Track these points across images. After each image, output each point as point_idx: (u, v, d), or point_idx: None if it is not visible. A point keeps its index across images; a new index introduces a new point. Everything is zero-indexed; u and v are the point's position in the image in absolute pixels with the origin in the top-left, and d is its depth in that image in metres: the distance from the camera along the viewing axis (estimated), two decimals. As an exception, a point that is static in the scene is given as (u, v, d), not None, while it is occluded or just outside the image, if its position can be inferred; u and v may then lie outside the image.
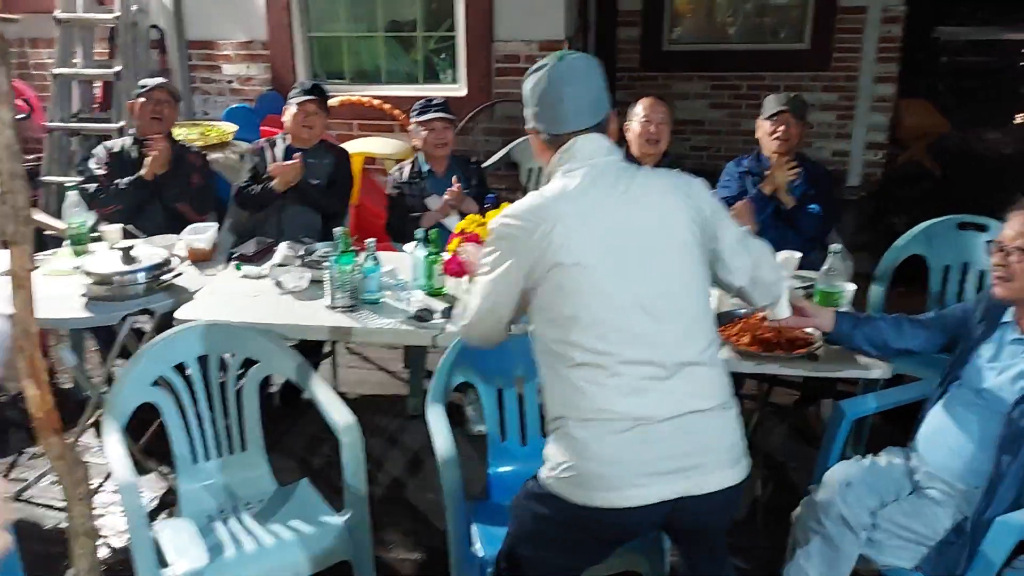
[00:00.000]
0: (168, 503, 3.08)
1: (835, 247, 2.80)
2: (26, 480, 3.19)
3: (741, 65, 6.43)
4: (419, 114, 3.68)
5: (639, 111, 3.54)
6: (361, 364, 4.08)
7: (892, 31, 6.31)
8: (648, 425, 1.75)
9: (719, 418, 1.82)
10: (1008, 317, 2.27)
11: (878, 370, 2.51)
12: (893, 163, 7.02)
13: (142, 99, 3.69)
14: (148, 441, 3.22)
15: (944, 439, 2.28)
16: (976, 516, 2.11)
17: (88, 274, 2.90)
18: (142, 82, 3.78)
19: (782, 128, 3.39)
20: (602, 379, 1.77)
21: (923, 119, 7.36)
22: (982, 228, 3.27)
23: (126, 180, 3.62)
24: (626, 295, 1.77)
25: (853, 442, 2.78)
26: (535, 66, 1.92)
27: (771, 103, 3.46)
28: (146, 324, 3.05)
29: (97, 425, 3.38)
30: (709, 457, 1.79)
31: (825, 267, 2.75)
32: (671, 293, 1.81)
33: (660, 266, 1.81)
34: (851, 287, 2.91)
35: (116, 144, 3.80)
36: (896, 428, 2.70)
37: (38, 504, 3.10)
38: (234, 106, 5.24)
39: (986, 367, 2.25)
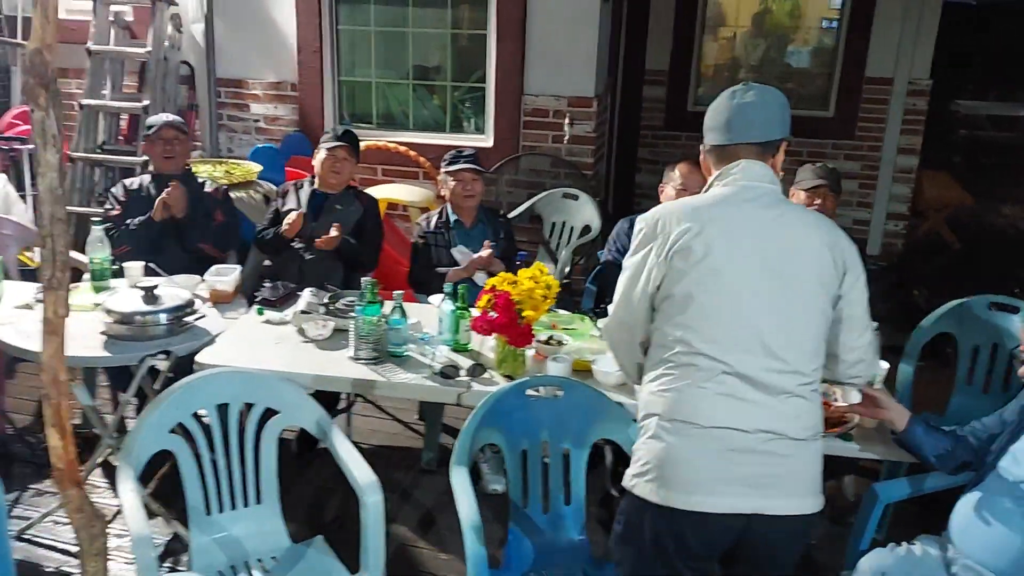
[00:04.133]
0: (173, 551, 2.99)
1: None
2: (29, 519, 3.09)
3: (764, 129, 6.42)
4: (449, 164, 3.66)
5: (676, 176, 3.49)
6: (374, 413, 3.99)
7: (917, 104, 6.31)
8: (736, 437, 1.82)
9: (806, 448, 1.88)
10: None
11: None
12: (913, 234, 6.99)
13: (150, 139, 3.65)
14: (156, 484, 3.14)
15: (982, 531, 2.21)
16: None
17: (109, 312, 2.85)
18: (148, 121, 3.72)
19: (818, 201, 3.39)
20: (702, 383, 1.84)
21: (944, 191, 7.35)
22: (1014, 310, 3.22)
23: (137, 220, 3.57)
24: (750, 310, 1.84)
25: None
26: None
27: (808, 175, 3.45)
28: (161, 362, 2.99)
29: (105, 464, 3.33)
30: (789, 482, 1.86)
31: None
32: (791, 321, 1.87)
33: (790, 293, 1.87)
34: (884, 365, 2.85)
35: (135, 182, 3.76)
36: (919, 508, 2.64)
37: (41, 544, 3.00)
38: (260, 145, 5.23)
39: (1024, 458, 2.20)
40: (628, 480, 1.95)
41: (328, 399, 3.33)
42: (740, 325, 1.84)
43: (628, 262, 1.99)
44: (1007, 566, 2.13)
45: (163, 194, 3.52)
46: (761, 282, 1.85)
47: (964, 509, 2.28)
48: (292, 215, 3.55)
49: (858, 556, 2.35)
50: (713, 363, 1.84)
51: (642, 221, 1.98)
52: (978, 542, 2.21)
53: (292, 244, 3.61)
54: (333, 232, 3.52)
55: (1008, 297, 3.32)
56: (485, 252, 3.48)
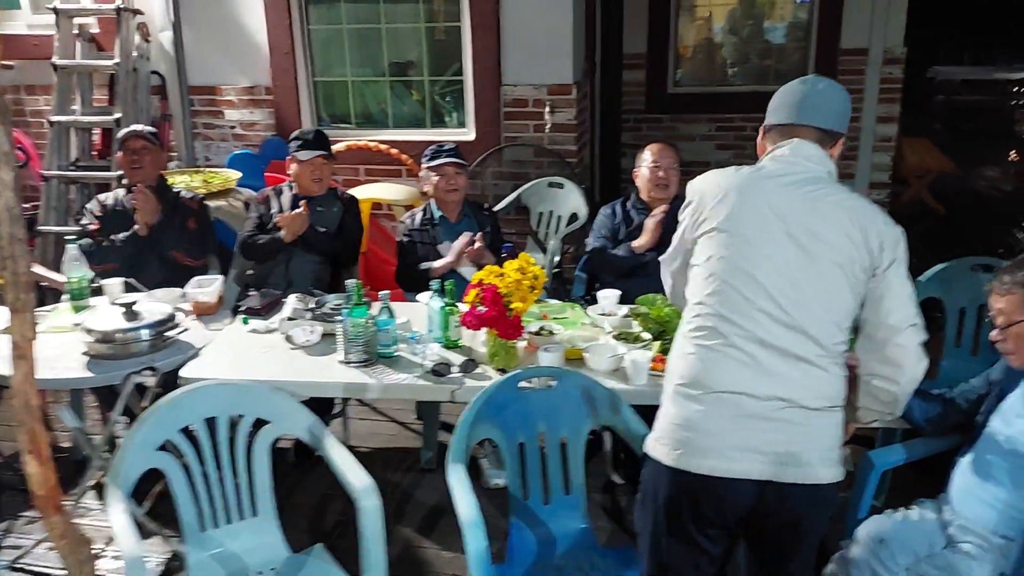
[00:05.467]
0: (173, 569, 2.94)
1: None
2: (23, 547, 3.03)
3: (745, 107, 6.39)
4: (430, 159, 3.60)
5: (647, 156, 3.49)
6: (371, 415, 3.95)
7: (893, 72, 6.29)
8: (749, 403, 1.82)
9: (822, 418, 1.86)
10: None
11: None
12: (897, 202, 6.99)
13: (120, 152, 3.60)
14: (152, 503, 3.08)
15: (976, 491, 2.23)
16: (1014, 571, 2.06)
17: (89, 331, 2.78)
18: (119, 135, 3.66)
19: None
20: (718, 347, 1.86)
21: (925, 158, 7.37)
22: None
23: (122, 236, 3.51)
24: (764, 275, 1.84)
25: (876, 490, 2.70)
26: None
27: None
28: (149, 379, 2.93)
29: (98, 487, 3.26)
30: (804, 451, 1.84)
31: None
32: (807, 289, 1.84)
33: (809, 265, 1.84)
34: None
35: (110, 197, 3.70)
36: (919, 474, 2.65)
37: (35, 572, 2.94)
38: (237, 152, 5.15)
39: (1015, 417, 2.22)
40: (647, 444, 1.98)
41: (323, 404, 3.29)
42: (754, 289, 1.84)
43: (679, 226, 2.08)
44: (998, 522, 2.16)
45: (133, 202, 3.46)
46: (779, 250, 1.85)
47: (959, 470, 2.30)
48: (289, 216, 3.49)
49: (857, 524, 2.36)
50: (729, 326, 1.85)
51: (689, 187, 2.05)
52: (972, 501, 2.23)
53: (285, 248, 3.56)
54: (300, 209, 3.48)
55: (991, 258, 3.34)
56: (476, 244, 3.43)
